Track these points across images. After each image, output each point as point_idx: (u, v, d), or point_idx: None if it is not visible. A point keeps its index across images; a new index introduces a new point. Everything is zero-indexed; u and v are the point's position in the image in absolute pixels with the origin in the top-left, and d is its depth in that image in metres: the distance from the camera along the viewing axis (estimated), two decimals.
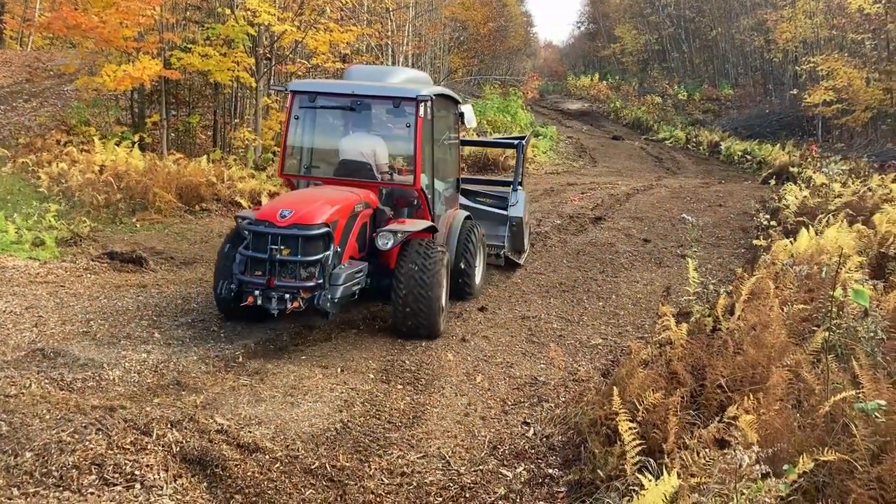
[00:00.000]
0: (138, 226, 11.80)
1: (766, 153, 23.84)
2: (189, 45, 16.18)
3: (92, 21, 13.25)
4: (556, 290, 9.31)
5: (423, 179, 7.99)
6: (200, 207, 13.16)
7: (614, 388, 4.53)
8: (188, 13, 18.79)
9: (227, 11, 16.05)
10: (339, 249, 6.91)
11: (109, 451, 4.07)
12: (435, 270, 7.10)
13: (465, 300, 8.63)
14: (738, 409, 4.09)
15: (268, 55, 17.36)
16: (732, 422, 4.00)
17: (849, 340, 5.01)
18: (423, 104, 7.74)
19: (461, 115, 9.34)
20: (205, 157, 14.96)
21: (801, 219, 10.72)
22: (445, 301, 7.60)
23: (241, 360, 6.44)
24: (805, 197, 12.83)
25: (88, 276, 8.83)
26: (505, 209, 10.53)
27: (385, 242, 7.24)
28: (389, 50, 25.85)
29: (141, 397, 5.41)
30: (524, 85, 38.91)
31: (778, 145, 24.67)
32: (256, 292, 6.49)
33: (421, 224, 7.71)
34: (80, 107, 17.00)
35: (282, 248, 6.52)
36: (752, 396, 4.23)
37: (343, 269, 6.88)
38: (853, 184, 13.90)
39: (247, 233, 6.80)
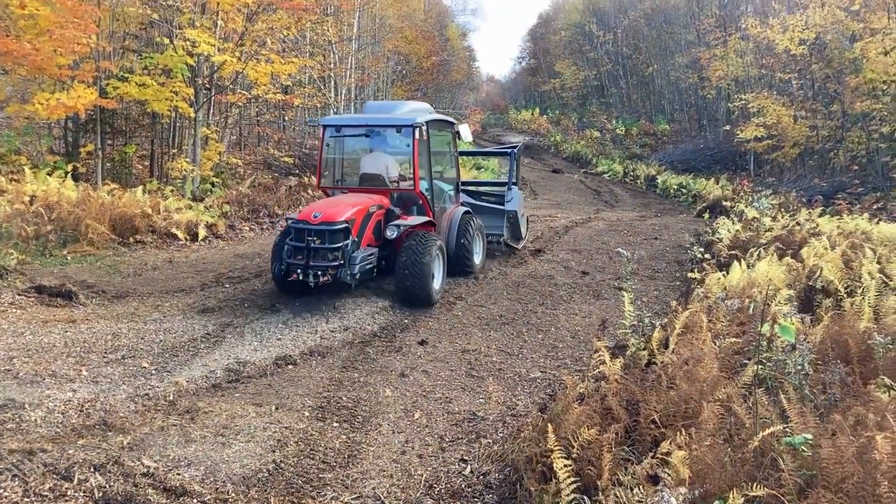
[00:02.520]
0: (69, 258, 11.46)
1: (700, 187, 24.44)
2: (126, 75, 15.91)
3: (24, 48, 12.89)
4: (496, 323, 9.31)
5: (423, 184, 10.45)
6: (135, 239, 12.87)
7: (549, 424, 4.52)
8: (126, 42, 18.50)
9: (166, 41, 15.85)
10: (356, 239, 9.33)
11: (26, 499, 3.90)
12: (426, 254, 9.43)
13: (468, 276, 11.26)
14: (670, 444, 4.13)
15: (207, 85, 17.18)
16: (665, 457, 4.03)
17: (778, 374, 5.12)
18: (417, 129, 10.18)
19: (458, 132, 11.97)
20: (140, 187, 14.65)
21: (733, 252, 10.98)
22: (440, 279, 10.04)
23: (171, 398, 6.26)
24: (737, 230, 13.16)
25: (14, 310, 8.51)
26: (502, 205, 13.11)
27: (391, 233, 9.76)
28: (332, 82, 25.84)
29: (64, 439, 5.19)
30: (467, 118, 39.35)
31: (712, 179, 25.35)
32: (298, 271, 8.95)
33: (421, 219, 10.27)
34: (10, 135, 16.48)
35: (315, 239, 8.94)
36: (684, 431, 4.28)
37: (359, 253, 9.29)
38: (783, 218, 14.34)
39: (291, 229, 9.27)
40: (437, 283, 9.82)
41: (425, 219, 10.34)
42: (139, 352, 7.40)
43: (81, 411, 5.80)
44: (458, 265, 11.07)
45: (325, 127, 10.98)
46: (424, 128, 10.42)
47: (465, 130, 12.02)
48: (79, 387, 6.31)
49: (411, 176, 10.36)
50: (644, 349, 6.28)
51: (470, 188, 13.97)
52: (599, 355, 5.74)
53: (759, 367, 5.01)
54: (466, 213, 11.50)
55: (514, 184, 13.54)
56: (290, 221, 9.46)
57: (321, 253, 8.98)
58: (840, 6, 23.09)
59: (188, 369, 6.96)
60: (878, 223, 12.33)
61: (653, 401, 4.85)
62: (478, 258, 11.64)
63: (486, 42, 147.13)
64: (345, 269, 9.02)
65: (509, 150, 14.13)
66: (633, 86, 49.63)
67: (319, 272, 8.88)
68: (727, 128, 30.09)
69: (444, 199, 11.55)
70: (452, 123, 12.07)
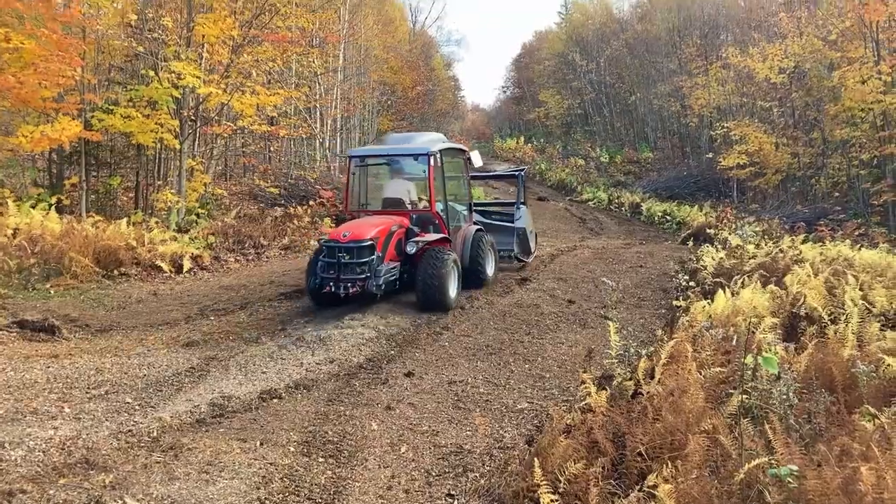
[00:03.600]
0: (52, 292, 11.37)
1: (684, 214, 24.59)
2: (111, 107, 15.92)
3: (9, 81, 12.89)
4: (482, 353, 9.27)
5: (438, 206, 11.73)
6: (119, 272, 12.80)
7: (536, 458, 4.50)
8: (111, 74, 18.54)
9: (152, 73, 15.90)
10: (380, 255, 10.52)
11: None
12: (443, 266, 10.67)
13: (481, 287, 12.29)
14: (657, 477, 4.12)
15: (192, 117, 17.22)
16: (652, 491, 4.02)
17: (763, 404, 5.12)
18: (432, 157, 11.50)
19: (469, 158, 13.25)
20: (125, 219, 14.60)
21: (718, 279, 11.03)
22: (456, 288, 11.17)
23: (155, 434, 6.17)
24: (721, 258, 13.23)
25: None
26: (512, 222, 14.60)
27: (411, 249, 11.00)
28: (318, 113, 25.95)
29: (45, 479, 5.11)
30: None
31: (696, 206, 25.54)
32: (330, 283, 10.15)
33: (437, 236, 11.52)
34: None
35: (345, 255, 10.14)
36: (670, 464, 4.27)
37: (383, 266, 10.52)
38: (766, 245, 14.45)
39: (323, 247, 10.46)
40: (452, 292, 10.97)
41: (441, 235, 11.58)
42: (122, 387, 7.32)
43: (63, 449, 5.71)
44: (473, 277, 12.16)
45: (350, 157, 12.47)
46: (439, 155, 11.72)
47: (476, 157, 13.32)
48: (61, 424, 6.23)
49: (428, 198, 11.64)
50: (630, 379, 6.28)
51: (482, 208, 15.31)
52: (586, 387, 5.74)
53: (745, 396, 5.02)
54: (479, 230, 12.70)
55: (523, 203, 14.93)
56: (322, 241, 10.76)
57: (350, 267, 10.14)
58: (818, 36, 23.51)
59: (172, 404, 6.88)
60: (859, 249, 12.45)
61: (639, 433, 4.85)
62: (490, 270, 12.80)
63: (471, 72, 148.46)
64: (371, 281, 10.21)
65: (517, 173, 15.71)
66: (616, 114, 50.13)
67: (349, 284, 10.07)
68: (710, 155, 30.42)
69: (459, 218, 12.82)
70: (464, 151, 13.48)
